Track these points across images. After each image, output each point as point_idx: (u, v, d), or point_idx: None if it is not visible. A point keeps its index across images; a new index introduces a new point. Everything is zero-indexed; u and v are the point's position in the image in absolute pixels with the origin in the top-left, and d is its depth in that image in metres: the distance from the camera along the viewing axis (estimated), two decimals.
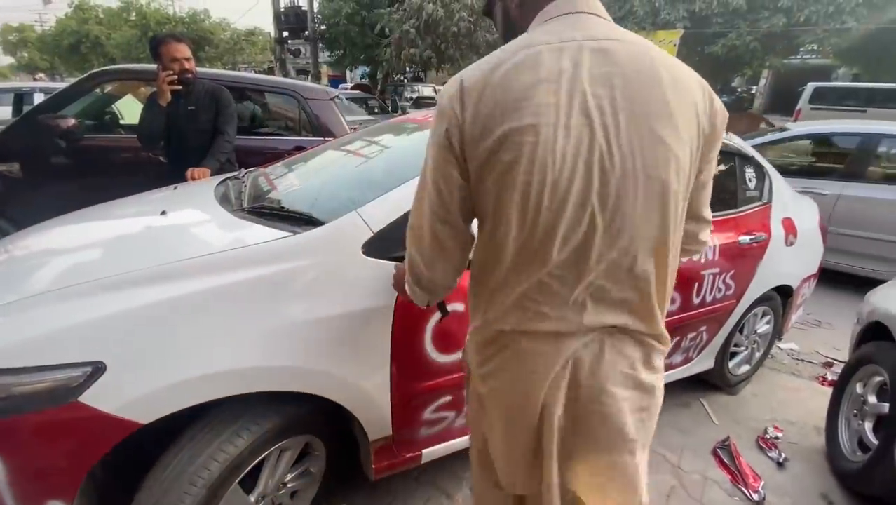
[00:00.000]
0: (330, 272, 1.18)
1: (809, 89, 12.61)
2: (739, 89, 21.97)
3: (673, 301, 1.86)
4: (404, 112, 13.61)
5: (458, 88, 0.67)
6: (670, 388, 1.78)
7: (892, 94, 11.22)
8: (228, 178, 1.97)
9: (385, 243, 1.23)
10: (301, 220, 1.31)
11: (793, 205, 2.46)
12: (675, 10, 10.58)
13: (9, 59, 29.87)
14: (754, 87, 21.36)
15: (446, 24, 12.11)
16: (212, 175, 2.26)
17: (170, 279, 1.07)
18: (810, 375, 2.69)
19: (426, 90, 18.38)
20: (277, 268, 1.14)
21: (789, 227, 2.33)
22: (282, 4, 17.09)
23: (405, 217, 0.84)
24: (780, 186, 2.41)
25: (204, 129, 2.45)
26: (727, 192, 2.20)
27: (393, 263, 1.18)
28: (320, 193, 1.58)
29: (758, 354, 2.54)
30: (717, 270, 1.94)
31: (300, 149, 3.19)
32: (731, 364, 2.42)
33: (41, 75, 19.74)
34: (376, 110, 9.48)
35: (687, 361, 2.15)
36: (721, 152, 2.12)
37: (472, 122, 0.65)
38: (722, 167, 2.22)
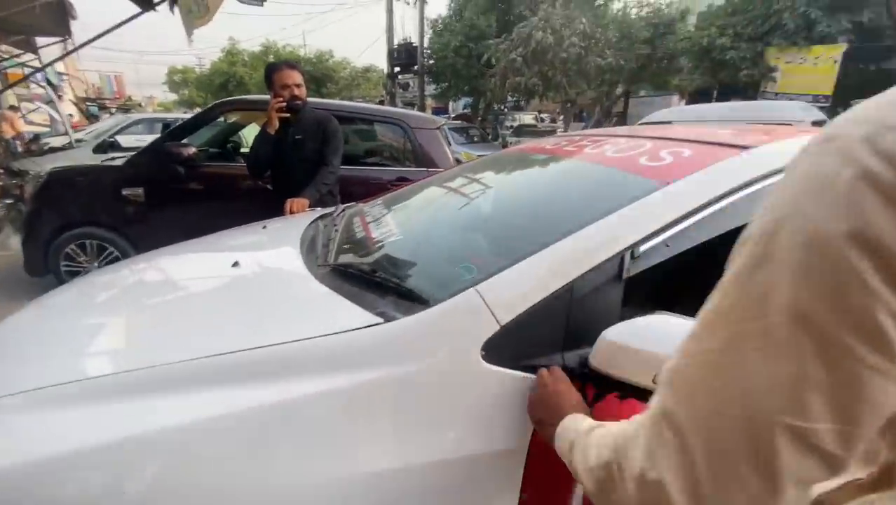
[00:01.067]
0: (428, 388, 0.76)
1: None
2: None
3: None
4: (505, 141, 13.39)
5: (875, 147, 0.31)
6: None
7: None
8: (323, 215, 1.72)
9: (516, 344, 0.78)
10: (394, 291, 0.92)
11: None
12: (835, 21, 8.92)
13: (173, 96, 36.02)
14: None
15: (555, 51, 11.72)
16: (311, 206, 2.12)
17: (182, 386, 0.74)
18: None
19: (527, 118, 18.13)
20: (349, 379, 0.74)
21: None
22: (396, 41, 18.19)
23: (548, 302, 0.71)
24: None
25: (310, 158, 2.36)
26: None
27: (524, 375, 0.74)
28: (422, 251, 1.18)
29: None
30: None
31: (403, 180, 2.98)
32: None
33: (197, 109, 23.40)
34: (476, 139, 9.35)
35: None
36: None
37: None
38: None
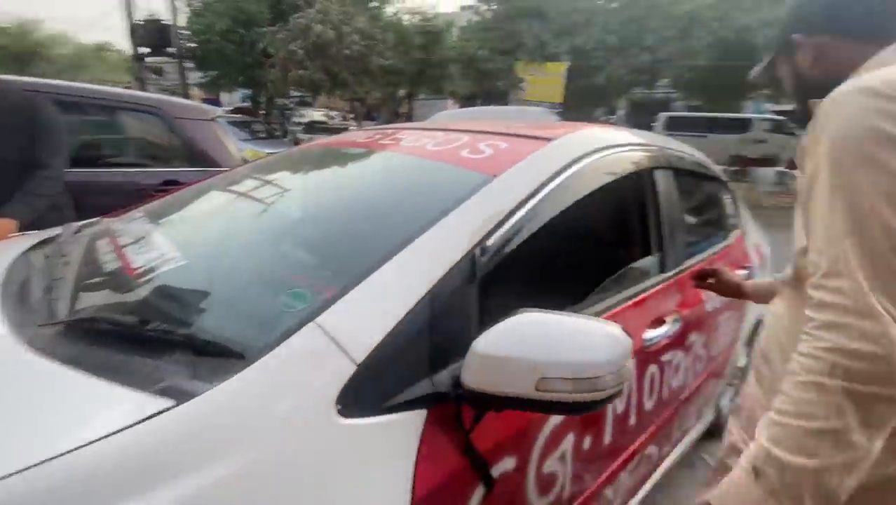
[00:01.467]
0: (267, 488, 0.52)
1: (662, 119, 14.66)
2: (602, 118, 24.69)
3: (698, 360, 1.51)
4: (296, 138, 12.57)
5: None
6: None
7: (727, 122, 13.47)
8: (42, 242, 1.17)
9: (379, 382, 0.62)
10: (185, 348, 0.63)
11: (752, 227, 2.35)
12: (561, 43, 11.40)
13: None
14: (612, 117, 24.21)
15: (338, 47, 11.53)
16: (23, 228, 1.47)
17: None
18: None
19: (316, 114, 17.45)
20: None
21: (758, 253, 2.19)
22: (138, 17, 14.95)
23: (407, 321, 0.63)
24: (743, 208, 2.28)
25: (10, 159, 1.63)
26: (717, 223, 1.99)
27: (392, 419, 0.60)
28: (221, 279, 0.87)
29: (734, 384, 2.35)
30: (724, 311, 1.65)
31: (172, 183, 2.37)
32: (721, 405, 2.18)
33: None
34: (262, 135, 8.45)
35: (700, 420, 1.82)
36: (707, 178, 1.75)
37: None
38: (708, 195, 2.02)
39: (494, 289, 0.80)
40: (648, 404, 1.22)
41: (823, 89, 0.68)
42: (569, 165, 1.04)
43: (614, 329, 0.64)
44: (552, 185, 0.97)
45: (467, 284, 0.75)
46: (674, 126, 14.27)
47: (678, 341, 1.32)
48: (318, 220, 1.07)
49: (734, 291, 1.26)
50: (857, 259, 0.54)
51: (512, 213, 0.86)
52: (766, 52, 0.89)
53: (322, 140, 1.78)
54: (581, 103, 13.19)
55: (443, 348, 0.70)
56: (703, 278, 1.30)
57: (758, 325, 2.15)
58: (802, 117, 0.76)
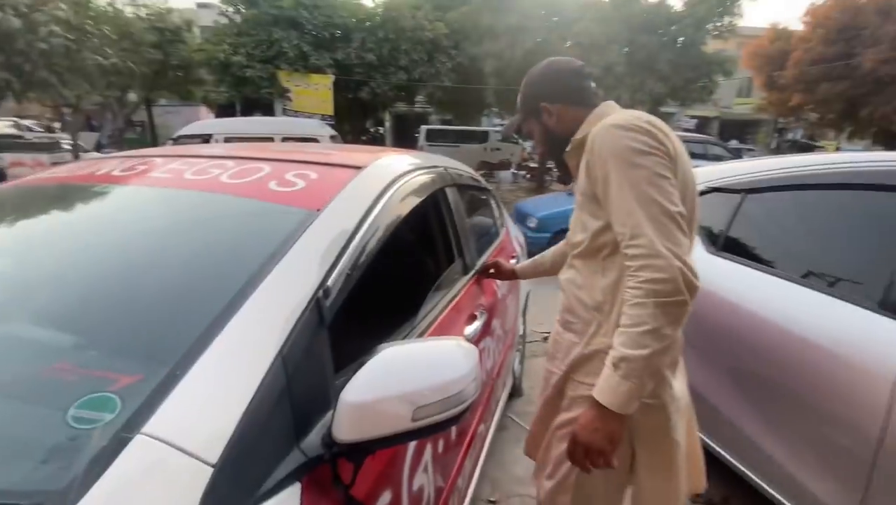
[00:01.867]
0: None
1: (423, 131, 16.50)
2: (371, 129, 25.98)
3: (500, 340, 1.81)
4: None
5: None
6: None
7: (471, 134, 16.06)
8: None
9: (241, 478, 0.54)
10: None
11: (511, 224, 2.92)
12: (322, 56, 11.38)
13: None
14: (381, 128, 25.75)
15: (28, 39, 8.70)
16: None
17: None
18: None
19: (2, 124, 12.78)
20: None
21: (519, 243, 2.74)
22: None
23: (261, 397, 0.57)
24: (501, 209, 2.81)
25: None
26: (491, 225, 2.38)
27: None
28: None
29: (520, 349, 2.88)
30: (509, 294, 2.03)
31: None
32: (514, 370, 2.64)
33: None
34: None
35: (505, 388, 2.17)
36: (479, 189, 2.15)
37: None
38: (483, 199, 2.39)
39: (342, 330, 0.78)
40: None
41: (564, 140, 1.10)
42: (384, 192, 1.08)
43: (461, 342, 0.72)
44: (375, 212, 0.99)
45: (317, 332, 0.72)
46: (432, 137, 16.22)
47: (486, 330, 1.54)
48: (95, 286, 0.82)
49: (511, 275, 1.65)
50: (645, 223, 0.86)
51: (346, 246, 0.85)
52: (517, 113, 1.22)
53: (50, 173, 1.35)
54: (350, 116, 13.56)
55: (305, 410, 0.66)
56: (487, 271, 1.64)
57: (527, 298, 2.69)
58: (558, 156, 1.15)
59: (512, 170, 12.62)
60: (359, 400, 0.62)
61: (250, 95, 11.55)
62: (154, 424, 0.50)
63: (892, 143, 14.25)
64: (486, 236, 2.25)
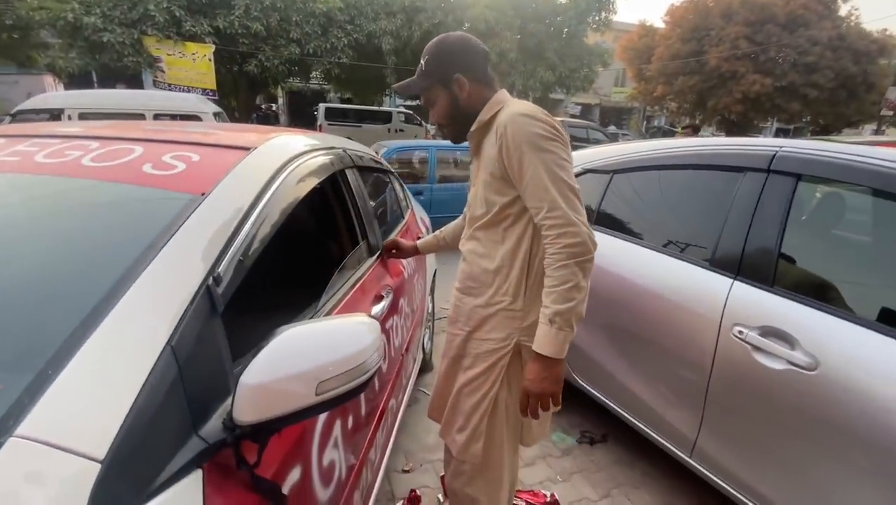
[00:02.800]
0: None
1: (322, 109, 15.71)
2: (263, 106, 24.09)
3: (408, 317, 1.87)
4: None
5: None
6: None
7: (374, 114, 15.71)
8: None
9: (136, 471, 0.53)
10: None
11: (415, 205, 2.98)
12: (198, 23, 10.10)
13: None
14: (274, 105, 24.03)
15: None
16: None
17: None
18: None
19: None
20: None
21: (424, 224, 2.82)
22: None
23: (151, 384, 0.57)
24: (405, 190, 2.86)
25: None
26: (395, 206, 2.41)
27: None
28: None
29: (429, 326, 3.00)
30: (415, 274, 2.10)
31: None
32: (424, 344, 2.75)
33: None
34: None
35: (416, 363, 2.25)
36: (382, 171, 2.20)
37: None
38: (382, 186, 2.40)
39: (240, 316, 0.77)
40: (384, 368, 1.45)
41: (468, 116, 1.18)
42: (277, 174, 1.05)
43: (361, 317, 0.76)
44: (268, 195, 0.96)
45: (210, 320, 0.70)
46: (331, 116, 15.52)
47: (394, 309, 1.60)
48: None
49: (413, 251, 1.72)
50: (559, 198, 1.02)
51: (237, 231, 0.83)
52: (422, 76, 1.20)
53: None
54: (236, 91, 12.37)
55: (202, 398, 0.65)
56: (390, 250, 1.69)
57: (434, 276, 2.79)
58: (459, 134, 1.22)
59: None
60: (258, 381, 0.63)
61: (110, 64, 9.90)
62: (28, 425, 0.47)
63: (731, 130, 16.99)
64: (391, 218, 2.28)
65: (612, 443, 2.19)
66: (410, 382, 2.09)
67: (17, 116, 5.94)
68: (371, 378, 0.74)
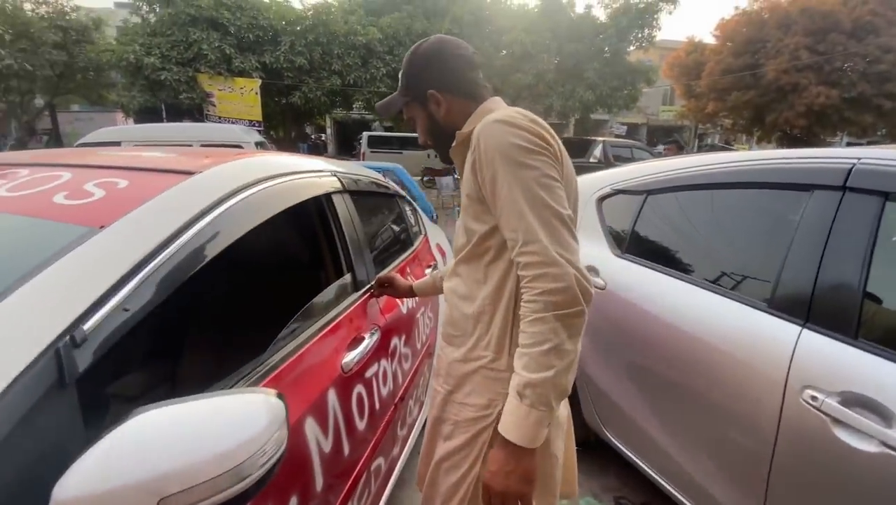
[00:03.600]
0: None
1: (365, 137, 16.20)
2: (313, 136, 25.24)
3: (405, 358, 1.66)
4: None
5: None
6: None
7: (414, 140, 15.89)
8: None
9: None
10: None
11: (432, 230, 2.79)
12: (247, 60, 10.75)
13: None
14: (323, 135, 25.10)
15: None
16: None
17: None
18: None
19: None
20: None
21: (440, 250, 2.62)
22: None
23: None
24: (422, 215, 2.68)
25: None
26: (403, 232, 2.23)
27: None
28: None
29: None
30: (420, 307, 1.89)
31: None
32: None
33: None
34: None
35: (423, 407, 2.02)
36: (386, 195, 2.00)
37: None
38: (389, 211, 2.23)
39: (104, 386, 0.59)
40: (361, 425, 1.23)
41: (450, 134, 0.96)
42: (219, 203, 0.89)
43: (257, 395, 0.56)
44: (196, 228, 0.81)
45: (49, 396, 0.53)
46: (374, 144, 16.00)
47: (381, 351, 1.39)
48: None
49: (407, 292, 1.48)
50: (538, 227, 0.77)
51: (130, 275, 0.67)
52: (400, 94, 1.05)
53: None
54: (283, 122, 12.97)
55: None
56: (382, 285, 1.46)
57: None
58: (445, 152, 1.03)
59: (455, 175, 12.64)
60: (74, 496, 0.44)
61: (167, 100, 10.67)
62: None
63: (795, 145, 15.79)
64: (395, 246, 2.10)
65: None
66: (416, 429, 1.85)
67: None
68: (258, 485, 0.53)
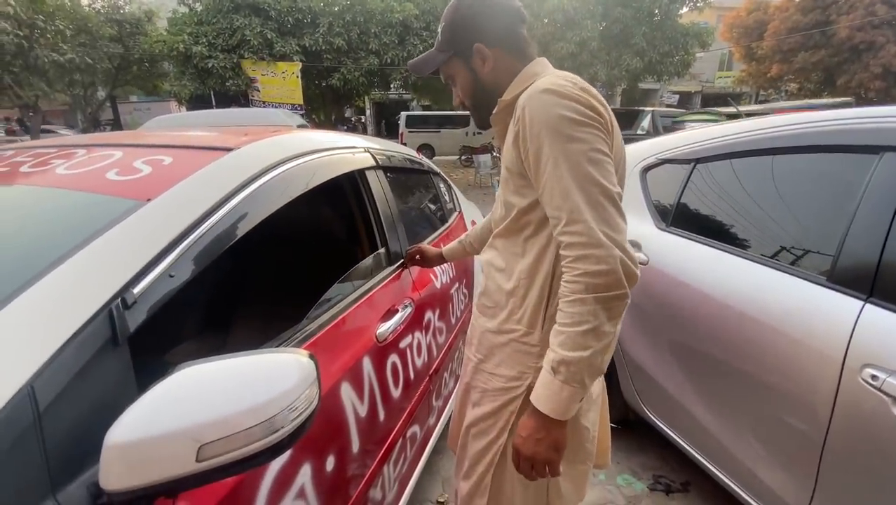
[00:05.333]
0: None
1: (403, 117, 16.19)
2: (353, 119, 25.50)
3: (439, 332, 1.68)
4: None
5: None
6: None
7: (452, 119, 15.84)
8: None
9: None
10: None
11: (467, 206, 2.77)
12: (287, 43, 10.93)
13: None
14: (363, 117, 25.30)
15: None
16: None
17: None
18: None
19: None
20: None
21: (473, 224, 2.59)
22: None
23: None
24: (457, 192, 2.66)
25: None
26: (438, 208, 2.23)
27: None
28: None
29: None
30: (454, 282, 1.90)
31: None
32: None
33: None
34: None
35: (457, 379, 2.05)
36: (421, 172, 1.99)
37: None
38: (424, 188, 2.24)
39: (153, 344, 0.64)
40: (396, 393, 1.27)
41: (494, 94, 0.91)
42: (257, 177, 0.93)
43: (288, 355, 0.59)
44: (236, 200, 0.85)
45: (105, 352, 0.58)
46: (412, 123, 15.99)
47: (415, 324, 1.41)
48: None
49: (438, 260, 1.50)
50: (584, 206, 0.74)
51: (174, 244, 0.71)
52: (438, 50, 0.97)
53: None
54: (323, 104, 13.18)
55: (69, 454, 0.52)
56: (413, 258, 1.49)
57: None
58: (485, 118, 0.97)
59: (494, 153, 12.45)
60: (126, 440, 0.49)
61: (215, 87, 11.10)
62: None
63: None
64: (430, 222, 2.11)
65: (695, 494, 1.78)
66: (451, 402, 1.89)
67: None
68: (291, 438, 0.56)
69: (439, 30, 0.96)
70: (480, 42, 0.91)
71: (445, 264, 1.73)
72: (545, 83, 0.80)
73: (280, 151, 1.07)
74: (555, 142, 0.76)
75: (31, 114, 12.12)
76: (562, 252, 0.78)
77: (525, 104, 0.80)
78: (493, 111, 0.93)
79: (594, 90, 0.81)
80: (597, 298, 0.73)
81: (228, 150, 0.98)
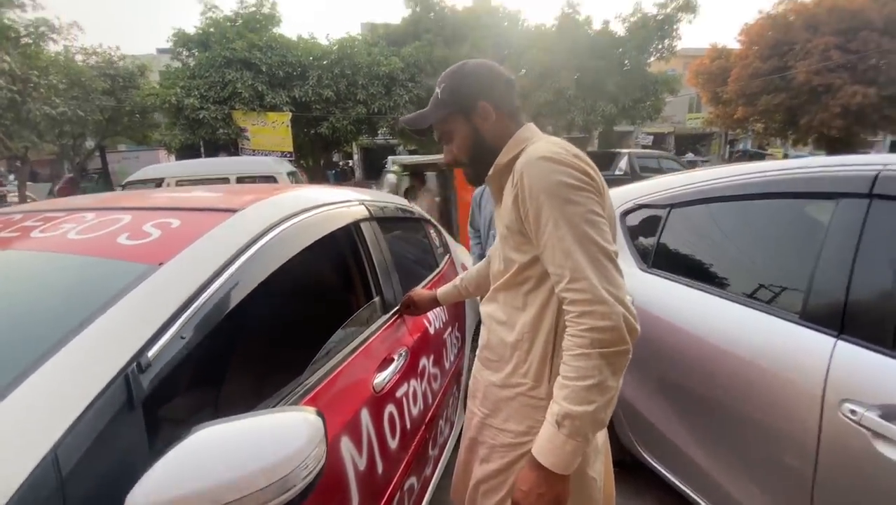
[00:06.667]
0: None
1: (390, 161, 16.58)
2: (341, 163, 25.95)
3: (434, 378, 1.69)
4: None
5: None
6: None
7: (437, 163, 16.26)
8: None
9: None
10: None
11: (457, 250, 2.84)
12: (277, 95, 11.34)
13: None
14: (351, 161, 25.79)
15: None
16: None
17: None
18: None
19: None
20: None
21: (465, 269, 2.65)
22: None
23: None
24: (447, 236, 2.73)
25: None
26: (429, 254, 2.30)
27: None
28: None
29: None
30: (447, 327, 1.93)
31: None
32: None
33: None
34: None
35: (453, 426, 2.03)
36: (412, 220, 2.07)
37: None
38: (417, 233, 2.31)
39: (166, 406, 0.67)
40: (394, 443, 1.27)
41: (492, 151, 0.96)
42: (260, 236, 0.98)
43: (296, 413, 0.62)
44: (240, 261, 0.89)
45: (121, 416, 0.60)
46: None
47: (410, 371, 1.43)
48: None
49: (432, 304, 1.52)
50: (586, 265, 0.79)
51: (185, 306, 0.75)
52: (437, 106, 1.00)
53: None
54: (312, 151, 13.51)
55: None
56: (407, 306, 1.51)
57: (478, 325, 2.60)
58: (480, 174, 1.01)
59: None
60: (146, 502, 0.51)
61: (205, 137, 11.35)
62: None
63: (833, 147, 15.14)
64: (421, 268, 2.16)
65: None
66: (447, 452, 1.87)
67: (127, 186, 6.87)
68: (301, 496, 0.58)
69: (439, 89, 1.00)
70: (485, 100, 0.96)
71: (438, 308, 1.77)
72: (541, 150, 0.86)
73: (280, 211, 1.12)
74: (554, 205, 0.82)
75: (18, 164, 12.15)
76: (566, 307, 0.81)
77: (523, 170, 0.86)
78: (489, 172, 0.99)
79: (585, 156, 0.88)
80: (601, 353, 0.76)
81: (233, 210, 1.04)
